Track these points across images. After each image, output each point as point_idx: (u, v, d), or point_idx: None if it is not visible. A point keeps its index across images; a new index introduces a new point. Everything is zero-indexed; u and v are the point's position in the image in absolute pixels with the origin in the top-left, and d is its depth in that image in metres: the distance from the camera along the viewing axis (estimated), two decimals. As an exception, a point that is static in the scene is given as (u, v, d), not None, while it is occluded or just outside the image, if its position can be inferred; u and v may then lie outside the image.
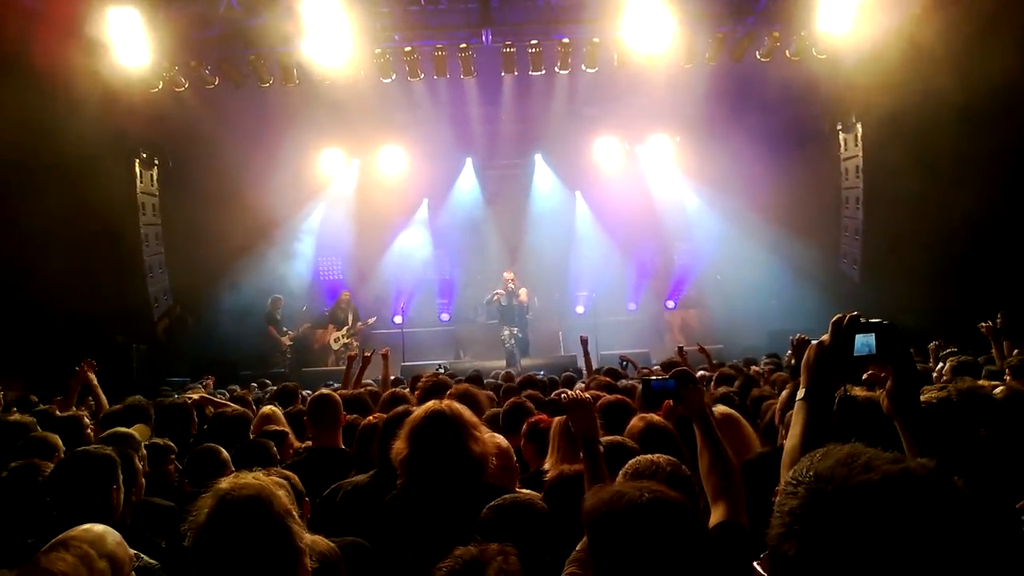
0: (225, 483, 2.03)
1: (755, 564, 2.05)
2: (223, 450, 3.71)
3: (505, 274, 14.33)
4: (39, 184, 10.58)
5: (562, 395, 3.00)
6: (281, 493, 2.04)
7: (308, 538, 2.07)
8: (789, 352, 7.96)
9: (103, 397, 6.13)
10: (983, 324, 6.40)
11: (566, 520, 2.23)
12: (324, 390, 5.46)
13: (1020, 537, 2.16)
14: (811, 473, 1.10)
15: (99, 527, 2.41)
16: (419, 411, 2.94)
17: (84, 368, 6.08)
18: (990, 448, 2.78)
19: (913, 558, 0.99)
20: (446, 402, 2.98)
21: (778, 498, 1.15)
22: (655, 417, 3.43)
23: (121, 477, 3.09)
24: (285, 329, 14.43)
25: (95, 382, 6.12)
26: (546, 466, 3.47)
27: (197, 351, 13.56)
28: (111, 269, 12.28)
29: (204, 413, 5.55)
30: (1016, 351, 5.77)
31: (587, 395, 3.06)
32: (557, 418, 3.49)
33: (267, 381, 10.79)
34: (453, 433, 2.82)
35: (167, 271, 13.99)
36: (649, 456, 2.56)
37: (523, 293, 14.10)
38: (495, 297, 13.78)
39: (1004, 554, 1.07)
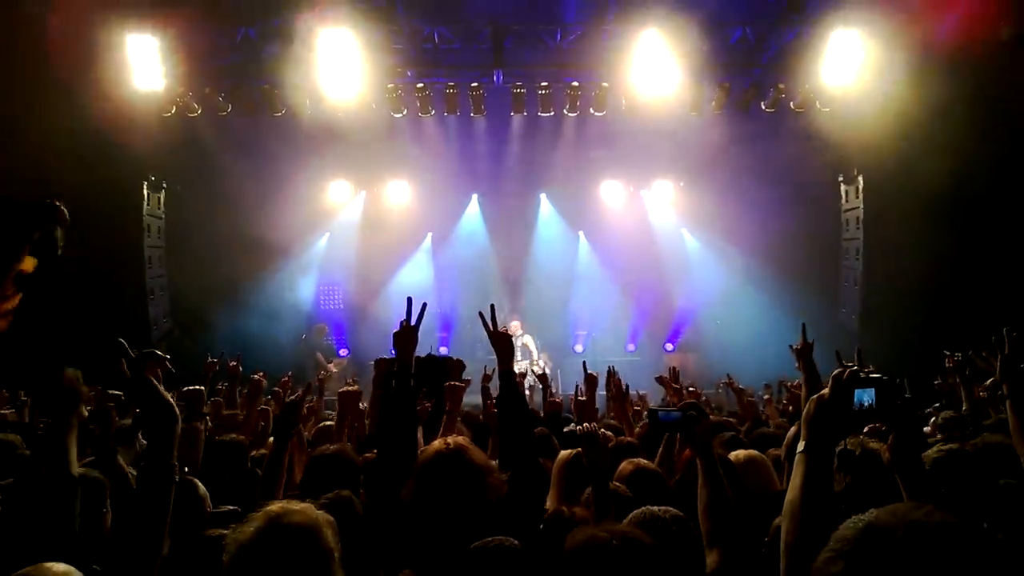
0: (275, 507, 2.02)
1: None
2: (200, 485, 3.46)
3: (512, 323, 14.48)
4: (48, 198, 10.64)
5: (578, 428, 2.95)
6: (328, 531, 2.03)
7: None
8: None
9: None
10: (949, 357, 5.97)
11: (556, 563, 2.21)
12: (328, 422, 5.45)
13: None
14: (870, 513, 1.18)
15: (61, 565, 2.33)
16: (427, 453, 2.75)
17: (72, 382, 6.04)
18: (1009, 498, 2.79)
19: None
20: (456, 443, 2.75)
21: (830, 542, 1.19)
22: (643, 461, 3.42)
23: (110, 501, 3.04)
24: (330, 358, 14.66)
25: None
26: (547, 505, 3.36)
27: (194, 375, 13.48)
28: (112, 289, 12.30)
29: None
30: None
31: (602, 430, 3.02)
32: (562, 453, 3.44)
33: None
34: (463, 478, 2.64)
35: (168, 294, 14.02)
36: (655, 508, 2.51)
37: (529, 341, 14.30)
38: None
39: None
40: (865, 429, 2.22)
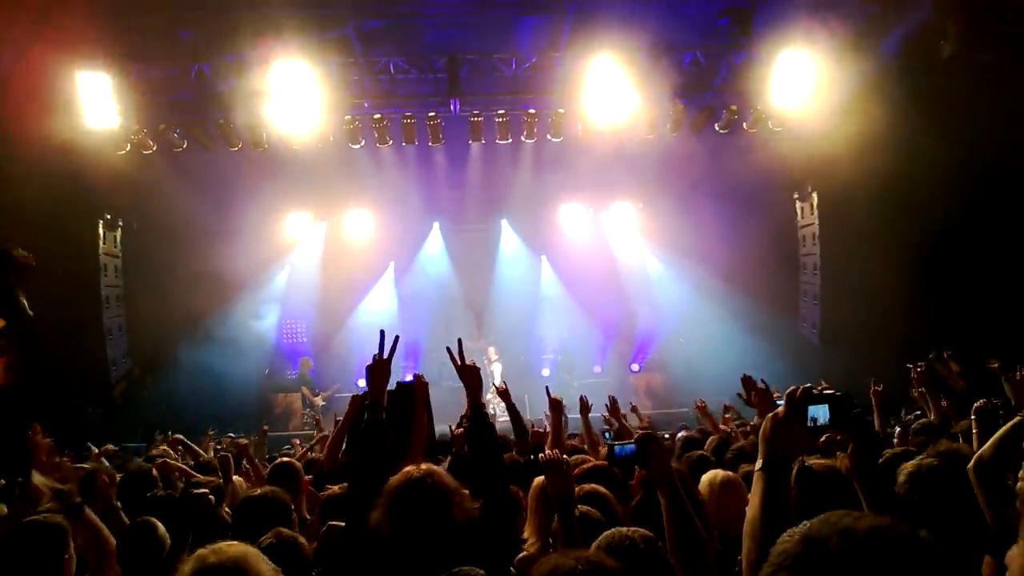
0: (205, 549, 2.05)
1: None
2: (159, 526, 3.45)
3: (490, 349, 14.65)
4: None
5: (540, 456, 2.95)
6: (259, 562, 2.05)
7: None
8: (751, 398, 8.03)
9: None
10: (913, 368, 6.08)
11: None
12: (284, 458, 5.37)
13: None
14: (806, 525, 1.20)
15: None
16: (396, 480, 2.76)
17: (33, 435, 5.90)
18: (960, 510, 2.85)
19: None
20: (425, 467, 2.78)
21: (773, 548, 1.22)
22: (596, 486, 3.41)
23: (72, 546, 3.03)
24: (317, 390, 14.53)
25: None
26: (525, 534, 3.39)
27: (155, 415, 13.23)
28: (70, 331, 12.03)
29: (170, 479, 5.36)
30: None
31: (564, 456, 3.02)
32: (536, 480, 3.42)
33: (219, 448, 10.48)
34: (434, 502, 2.66)
35: (127, 334, 13.75)
36: (624, 530, 2.49)
37: (497, 369, 14.46)
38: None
39: None
40: (822, 438, 2.24)
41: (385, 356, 3.36)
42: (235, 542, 2.13)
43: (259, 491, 3.76)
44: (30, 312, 8.28)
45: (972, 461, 2.86)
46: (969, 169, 10.25)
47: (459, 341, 3.64)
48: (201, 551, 2.05)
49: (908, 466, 2.98)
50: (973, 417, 3.92)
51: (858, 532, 1.12)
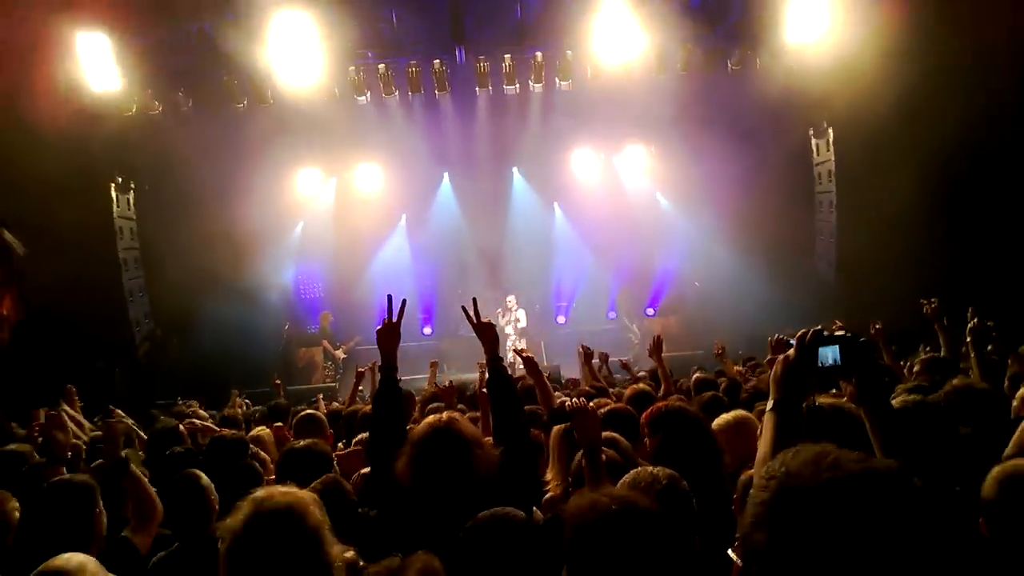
0: (260, 492, 2.10)
1: (729, 552, 2.12)
2: (203, 476, 3.51)
3: (508, 298, 14.70)
4: (13, 213, 10.50)
5: (566, 403, 3.02)
6: (313, 506, 2.10)
7: (337, 548, 2.13)
8: (769, 357, 8.05)
9: (86, 423, 6.10)
10: (927, 304, 5.88)
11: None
12: (309, 409, 5.47)
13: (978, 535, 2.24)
14: (782, 469, 1.19)
15: (79, 556, 2.43)
16: (421, 428, 2.91)
17: (69, 395, 6.09)
18: (972, 445, 2.86)
19: (871, 552, 1.08)
20: (447, 416, 2.94)
21: (752, 490, 1.24)
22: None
23: (101, 503, 3.12)
24: (338, 343, 14.68)
25: (77, 411, 6.10)
26: (547, 476, 3.54)
27: (181, 372, 13.48)
28: (91, 294, 12.19)
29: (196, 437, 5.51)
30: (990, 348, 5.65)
31: (591, 404, 3.09)
32: (556, 427, 3.55)
33: (248, 402, 10.72)
34: (457, 451, 2.79)
35: (147, 294, 13.92)
36: (650, 468, 2.56)
37: (522, 315, 14.64)
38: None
39: (956, 551, 1.16)
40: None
41: (394, 320, 3.47)
42: (285, 487, 2.17)
43: (302, 443, 3.88)
44: (21, 250, 8.43)
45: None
46: (992, 98, 10.00)
47: (474, 300, 3.79)
48: (255, 494, 2.09)
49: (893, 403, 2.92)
50: (968, 339, 4.23)
51: (841, 481, 1.13)
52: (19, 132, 10.02)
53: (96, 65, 10.83)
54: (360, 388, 7.73)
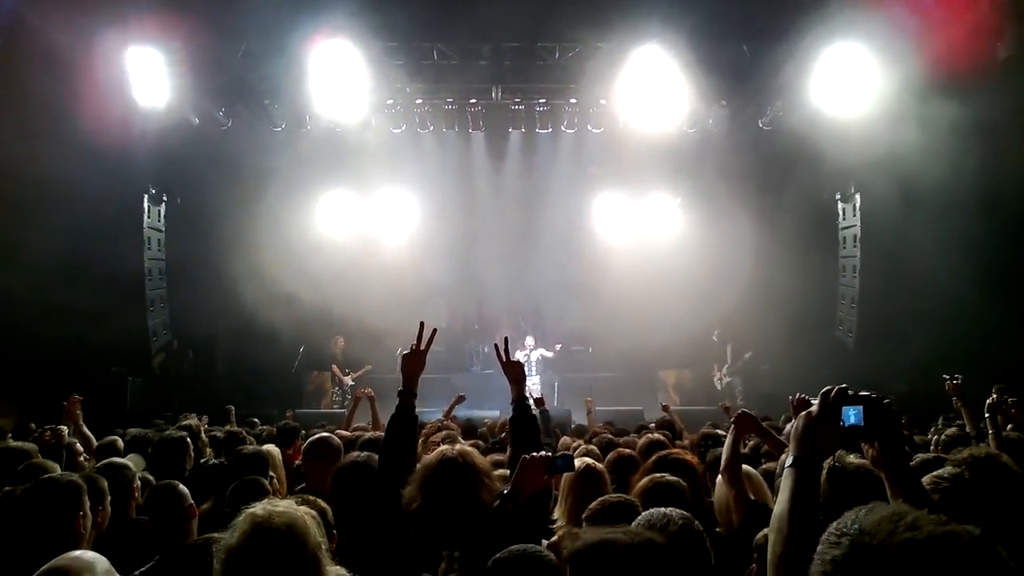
0: (260, 508, 2.05)
1: None
2: (179, 484, 3.46)
3: (527, 339, 14.84)
4: (46, 214, 10.70)
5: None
6: (313, 526, 2.08)
7: (333, 571, 2.10)
8: (784, 417, 7.97)
9: (87, 433, 6.06)
10: (949, 380, 5.75)
11: None
12: (323, 433, 5.45)
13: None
14: (856, 526, 1.16)
15: (89, 554, 2.42)
16: (431, 458, 2.92)
17: (71, 404, 6.07)
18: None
19: None
20: (458, 448, 2.96)
21: (820, 547, 1.20)
22: (667, 476, 3.48)
23: (88, 504, 3.06)
24: (347, 369, 14.65)
25: (79, 419, 6.07)
26: (555, 515, 3.57)
27: (193, 387, 13.53)
28: (112, 301, 12.32)
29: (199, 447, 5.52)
30: (1010, 425, 5.63)
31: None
32: (567, 475, 3.58)
33: (256, 420, 10.69)
34: (466, 481, 2.80)
35: (168, 306, 14.05)
36: (663, 509, 2.58)
37: (543, 353, 14.92)
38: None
39: None
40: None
41: (422, 348, 3.57)
42: (283, 503, 2.13)
43: (352, 456, 3.82)
44: None
45: None
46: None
47: (505, 339, 3.95)
48: (253, 510, 2.04)
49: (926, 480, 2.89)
50: (987, 415, 4.35)
51: (918, 542, 1.09)
52: (59, 135, 10.24)
53: (144, 78, 11.12)
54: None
